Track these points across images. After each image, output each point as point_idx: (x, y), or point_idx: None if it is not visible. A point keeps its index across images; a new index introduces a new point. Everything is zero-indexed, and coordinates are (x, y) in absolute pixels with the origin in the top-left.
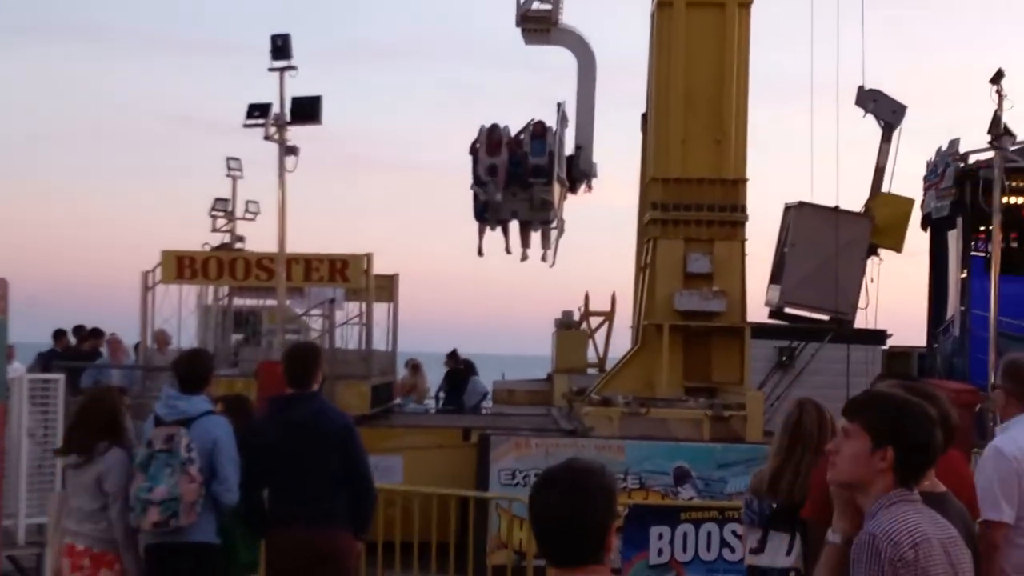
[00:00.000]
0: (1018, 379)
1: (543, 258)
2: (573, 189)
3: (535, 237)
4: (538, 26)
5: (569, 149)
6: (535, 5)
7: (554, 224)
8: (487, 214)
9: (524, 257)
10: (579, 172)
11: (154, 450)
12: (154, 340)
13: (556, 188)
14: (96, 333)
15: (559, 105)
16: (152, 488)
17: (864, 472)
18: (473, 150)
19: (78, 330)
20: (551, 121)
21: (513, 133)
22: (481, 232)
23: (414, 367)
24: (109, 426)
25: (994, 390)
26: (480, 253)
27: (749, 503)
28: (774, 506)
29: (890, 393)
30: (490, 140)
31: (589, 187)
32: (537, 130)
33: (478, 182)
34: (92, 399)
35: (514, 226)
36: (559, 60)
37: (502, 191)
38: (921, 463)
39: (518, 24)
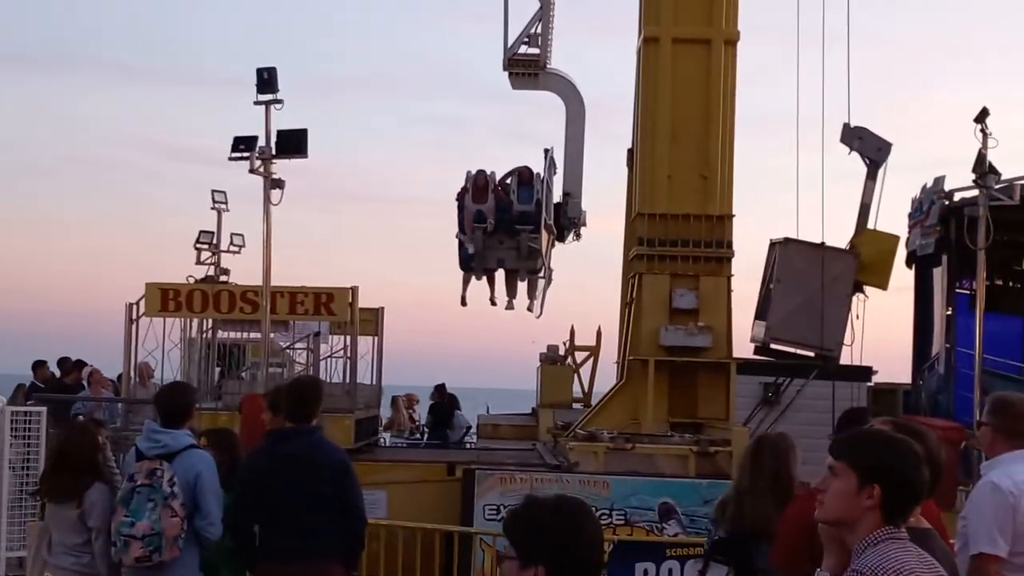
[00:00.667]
0: (1005, 416)
1: (529, 308)
2: (561, 237)
3: (521, 287)
4: (526, 70)
5: (557, 196)
6: (522, 49)
7: (541, 273)
8: (473, 263)
9: (509, 307)
10: (567, 220)
11: (136, 484)
12: (136, 373)
13: (544, 236)
14: (79, 365)
15: (547, 151)
16: (134, 523)
17: (851, 510)
18: (459, 197)
19: (62, 362)
20: (538, 167)
21: (500, 179)
22: (466, 282)
23: (392, 401)
24: (88, 466)
25: (980, 427)
26: (464, 303)
27: (709, 530)
28: (716, 536)
29: (876, 431)
30: (476, 186)
31: (578, 235)
32: (524, 176)
33: (463, 229)
34: (69, 441)
35: (500, 275)
36: (546, 96)
37: (488, 238)
38: (908, 500)
39: (505, 68)
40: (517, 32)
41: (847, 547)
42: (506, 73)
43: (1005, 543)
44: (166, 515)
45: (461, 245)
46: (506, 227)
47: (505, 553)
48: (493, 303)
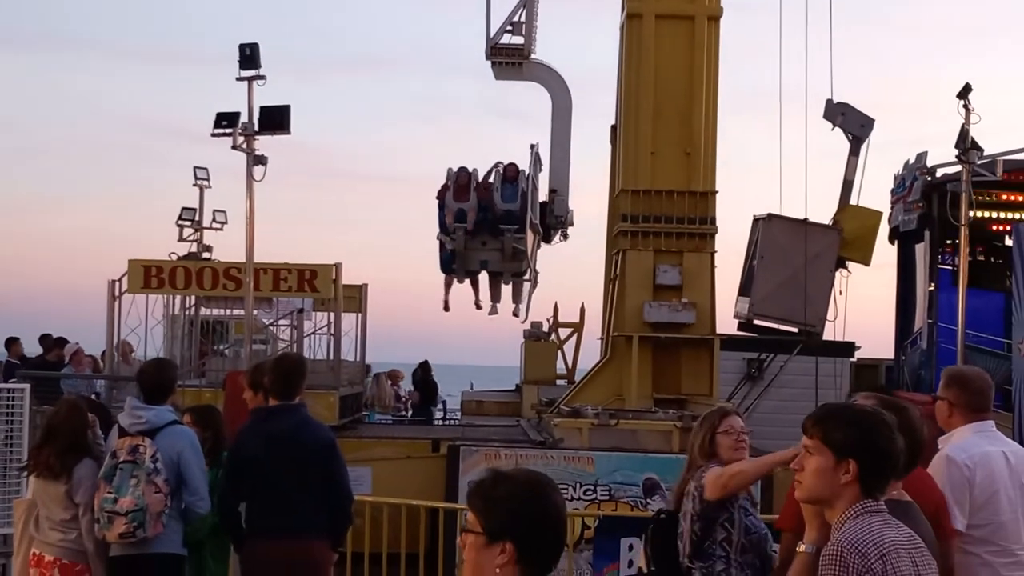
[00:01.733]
0: (961, 390)
1: (515, 313)
2: (547, 238)
3: (506, 290)
4: (509, 59)
5: (543, 194)
6: (506, 38)
7: (527, 276)
8: (455, 265)
9: (493, 311)
10: (554, 219)
11: (118, 461)
12: (118, 350)
13: (529, 236)
14: (61, 342)
15: (532, 147)
16: (117, 499)
17: (829, 487)
18: (440, 195)
19: (44, 339)
20: (525, 158)
21: (482, 176)
22: (448, 285)
23: (375, 377)
24: (77, 442)
25: (936, 401)
26: (446, 308)
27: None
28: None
29: (846, 405)
30: (458, 184)
31: (565, 235)
32: (508, 173)
33: (444, 230)
34: (57, 416)
35: (483, 278)
36: (531, 84)
37: (471, 239)
38: (885, 472)
39: (488, 57)
40: (500, 20)
41: (828, 521)
42: (489, 62)
43: (963, 517)
44: (149, 491)
45: (442, 246)
46: (489, 227)
47: (469, 527)
48: (478, 307)
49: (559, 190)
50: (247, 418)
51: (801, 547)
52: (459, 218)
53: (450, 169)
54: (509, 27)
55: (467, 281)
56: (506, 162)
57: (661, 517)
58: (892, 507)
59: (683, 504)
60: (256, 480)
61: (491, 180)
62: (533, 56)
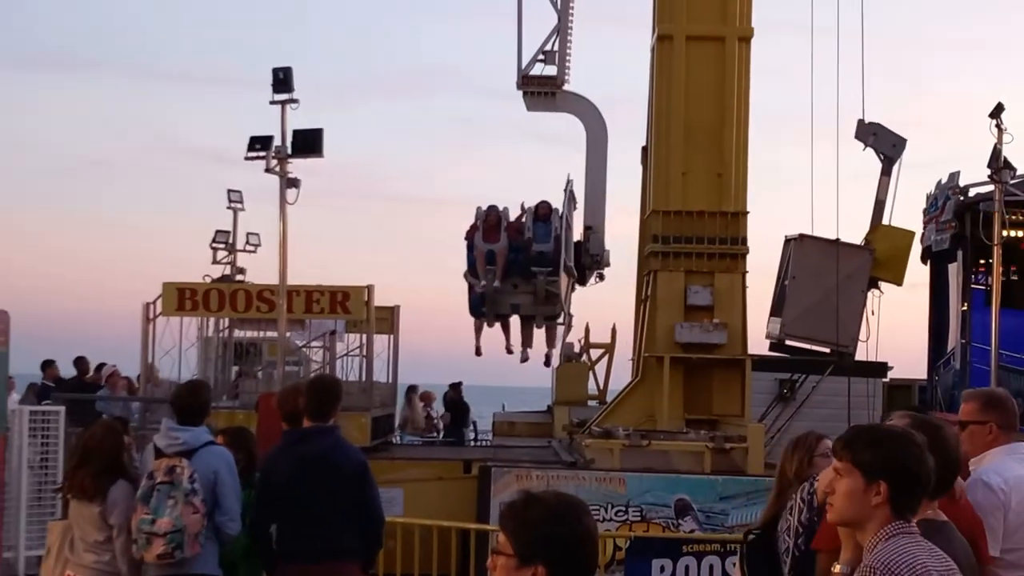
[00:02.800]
0: (1003, 411)
1: (547, 359)
2: (582, 280)
3: (539, 334)
4: (541, 89)
5: (577, 233)
6: (537, 68)
7: (560, 319)
8: (484, 308)
9: (524, 357)
10: (589, 258)
11: (156, 482)
12: (144, 375)
13: (563, 279)
14: (100, 368)
15: (566, 185)
16: (155, 520)
17: (860, 509)
18: (469, 236)
19: (79, 361)
20: (557, 196)
21: (514, 216)
22: (478, 329)
23: (407, 399)
24: (112, 463)
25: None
26: (478, 353)
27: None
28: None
29: (875, 426)
30: (487, 224)
31: (600, 276)
32: (541, 211)
33: (473, 272)
34: (93, 437)
35: (515, 321)
36: (576, 89)
37: (501, 282)
38: (916, 493)
39: (519, 87)
40: (532, 49)
41: (860, 543)
42: (520, 93)
43: (996, 543)
44: (187, 511)
45: (471, 288)
46: (521, 269)
47: (500, 550)
48: (509, 351)
49: (594, 227)
50: (280, 439)
51: (836, 568)
52: (489, 260)
53: (479, 208)
54: (541, 56)
55: (497, 324)
56: (541, 198)
57: (752, 536)
58: (927, 527)
59: (783, 522)
60: (288, 502)
61: (523, 219)
62: (566, 86)
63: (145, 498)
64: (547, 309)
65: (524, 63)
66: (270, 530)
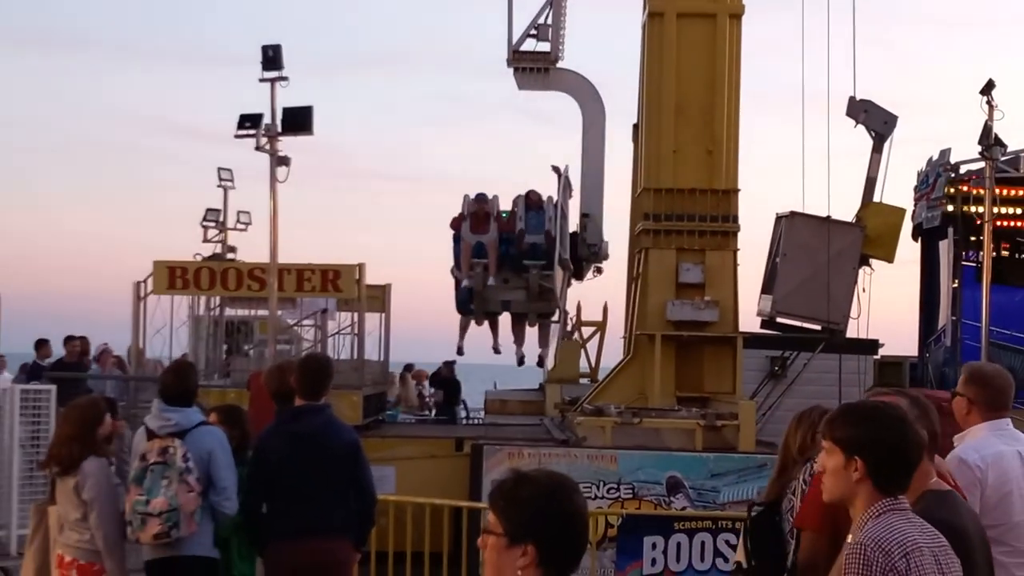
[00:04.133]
0: (980, 387)
1: (540, 360)
2: (579, 274)
3: (531, 332)
4: (534, 65)
5: (573, 224)
6: (529, 44)
7: (555, 317)
8: (472, 305)
9: (520, 359)
10: (586, 248)
11: (148, 463)
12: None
13: (558, 273)
14: (71, 340)
15: (558, 170)
16: (149, 500)
17: (844, 486)
18: (455, 226)
19: (68, 340)
20: (550, 187)
21: (504, 204)
22: (463, 327)
23: (400, 377)
24: (84, 438)
25: (954, 397)
26: (460, 352)
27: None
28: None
29: (857, 403)
30: (475, 213)
31: (598, 270)
32: (533, 199)
33: (460, 265)
34: (68, 412)
35: (505, 319)
36: (566, 66)
37: (491, 277)
38: (897, 468)
39: (510, 64)
40: (524, 24)
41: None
42: (512, 69)
43: None
44: (182, 490)
45: (458, 284)
46: (512, 262)
47: (490, 529)
48: (497, 352)
49: (592, 214)
50: (272, 418)
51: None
52: (477, 252)
53: (466, 196)
54: (533, 31)
55: (486, 323)
56: (533, 176)
57: (755, 512)
58: (933, 498)
59: (786, 502)
60: (281, 480)
61: (515, 209)
62: (560, 63)
63: (138, 480)
64: (540, 306)
65: (515, 38)
66: (262, 508)
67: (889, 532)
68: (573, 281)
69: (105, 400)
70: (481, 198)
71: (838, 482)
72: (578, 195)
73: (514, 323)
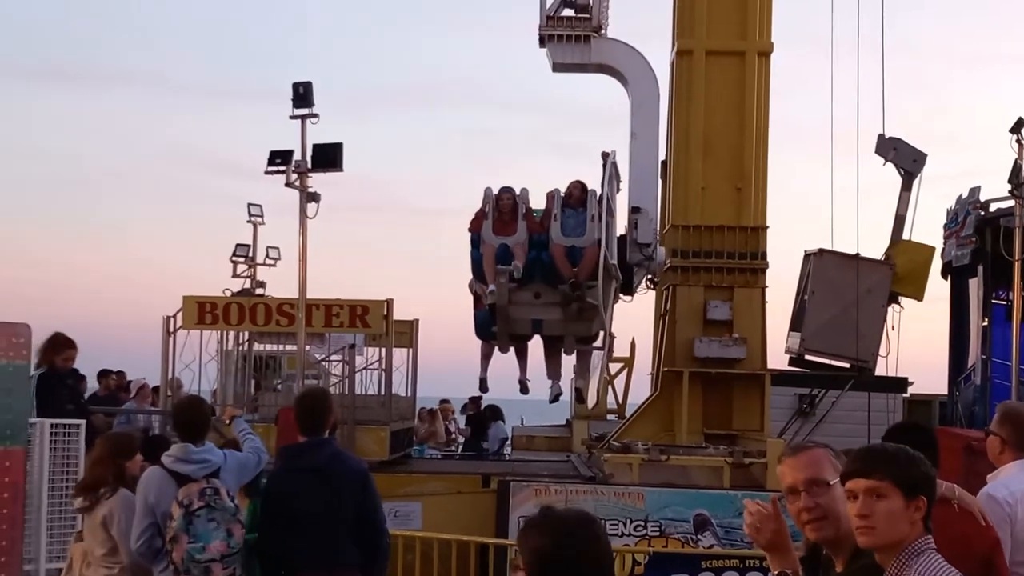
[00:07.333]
0: (1015, 426)
1: (579, 396)
2: (628, 287)
3: (568, 361)
4: (572, 31)
5: (622, 226)
6: (566, 12)
7: (599, 342)
8: (494, 327)
9: (555, 395)
10: (637, 252)
11: (192, 510)
12: (168, 388)
13: (603, 285)
14: (105, 374)
15: (606, 155)
16: (205, 547)
17: (904, 529)
18: (475, 226)
19: (103, 374)
20: (592, 180)
21: (537, 201)
22: (486, 356)
23: (430, 412)
24: (116, 470)
25: (988, 436)
26: (483, 387)
27: None
28: None
29: (892, 445)
30: (500, 211)
31: (652, 281)
32: (573, 195)
33: (480, 276)
34: (103, 442)
35: (536, 344)
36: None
37: (518, 290)
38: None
39: (541, 31)
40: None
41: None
42: (545, 49)
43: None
44: (237, 529)
45: (477, 300)
46: (545, 272)
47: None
48: (524, 390)
49: (644, 208)
50: (278, 457)
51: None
52: (502, 258)
53: (488, 190)
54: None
55: (512, 350)
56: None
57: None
58: None
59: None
60: (292, 517)
61: (552, 210)
62: (605, 34)
63: (184, 528)
64: (580, 327)
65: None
66: (277, 549)
67: (939, 571)
68: (621, 296)
69: (133, 433)
70: (506, 192)
71: (898, 525)
72: (626, 190)
73: (547, 350)
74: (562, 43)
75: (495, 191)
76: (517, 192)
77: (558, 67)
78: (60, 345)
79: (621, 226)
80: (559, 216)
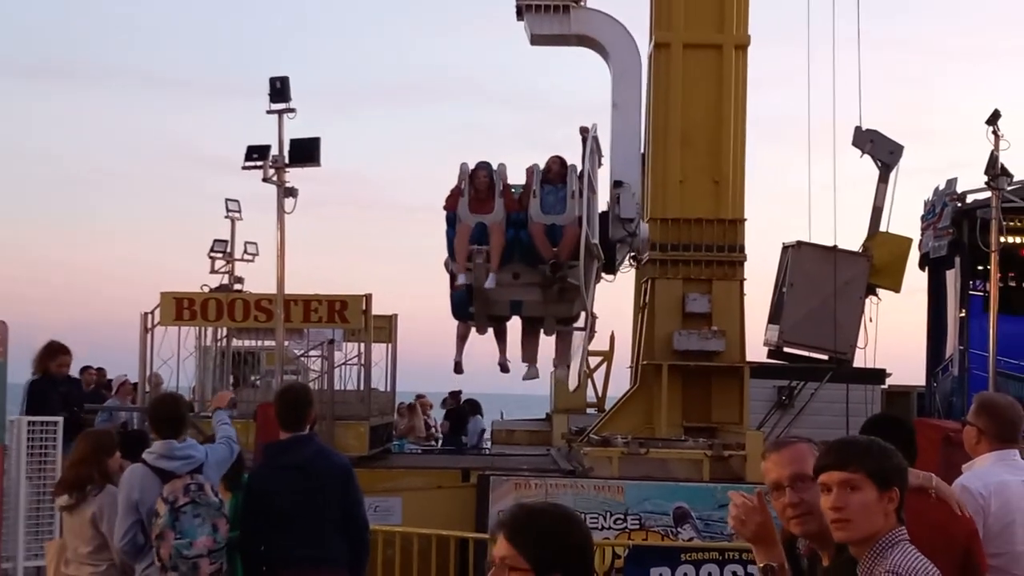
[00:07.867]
0: (990, 417)
1: (560, 377)
2: (610, 265)
3: (547, 342)
4: (551, 1)
5: (603, 202)
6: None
7: (580, 323)
8: (471, 308)
9: (531, 374)
10: (620, 227)
11: (177, 506)
12: (150, 383)
13: (584, 264)
14: (86, 370)
15: (586, 130)
16: (192, 542)
17: (880, 520)
18: (450, 204)
19: (84, 370)
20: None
21: (516, 177)
22: (462, 337)
23: (410, 407)
24: (98, 465)
25: (965, 427)
26: (457, 369)
27: None
28: None
29: (865, 437)
30: (476, 188)
31: (637, 261)
32: (552, 170)
33: (455, 255)
34: (83, 438)
35: (514, 325)
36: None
37: (496, 270)
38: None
39: (520, 9)
40: None
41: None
42: (522, 24)
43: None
44: (222, 524)
45: (453, 280)
46: (524, 251)
47: (511, 564)
48: (504, 369)
49: (627, 182)
50: (261, 454)
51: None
52: (478, 238)
53: (464, 166)
54: None
55: (490, 331)
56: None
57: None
58: None
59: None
60: (276, 515)
61: (529, 182)
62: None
63: (171, 524)
64: (561, 308)
65: None
66: (259, 546)
67: (915, 562)
68: (603, 276)
69: (120, 434)
70: (482, 167)
71: (873, 517)
72: (607, 165)
73: (526, 331)
74: (540, 14)
75: (471, 166)
76: (494, 168)
77: (536, 39)
78: (54, 352)
79: (603, 203)
80: (538, 193)
